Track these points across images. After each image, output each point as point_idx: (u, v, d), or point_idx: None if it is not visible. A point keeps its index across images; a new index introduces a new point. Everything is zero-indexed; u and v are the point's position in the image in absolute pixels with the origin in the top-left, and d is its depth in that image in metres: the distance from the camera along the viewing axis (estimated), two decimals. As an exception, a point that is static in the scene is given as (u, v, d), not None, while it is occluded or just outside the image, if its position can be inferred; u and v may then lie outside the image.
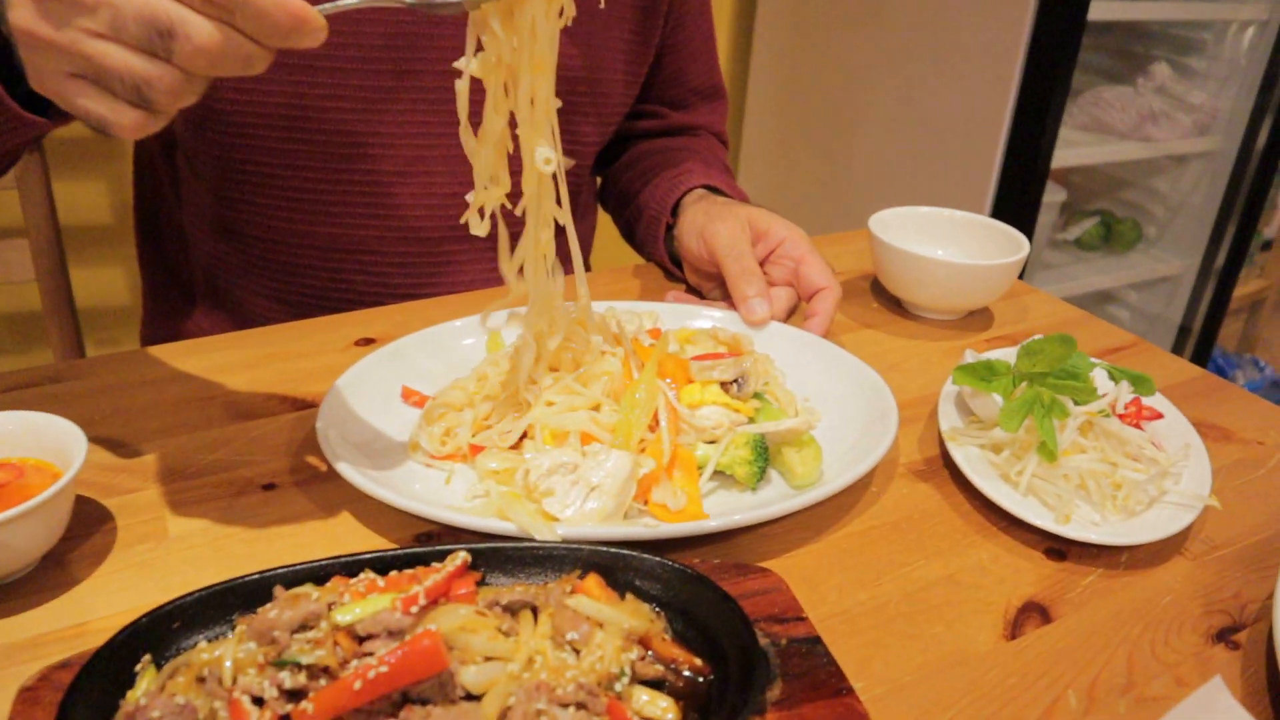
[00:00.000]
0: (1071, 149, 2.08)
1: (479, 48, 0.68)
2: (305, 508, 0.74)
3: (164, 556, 0.68)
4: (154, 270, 1.26)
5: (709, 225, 1.01)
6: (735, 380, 0.80)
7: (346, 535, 0.71)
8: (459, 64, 0.69)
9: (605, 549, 0.60)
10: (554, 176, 0.73)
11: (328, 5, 0.58)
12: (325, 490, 0.75)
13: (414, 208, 1.10)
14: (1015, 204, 1.93)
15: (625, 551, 0.59)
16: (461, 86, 0.69)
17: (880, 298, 1.15)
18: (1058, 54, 1.79)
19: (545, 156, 0.71)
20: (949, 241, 1.16)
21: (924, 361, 1.00)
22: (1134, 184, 2.53)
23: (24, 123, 0.71)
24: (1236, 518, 0.79)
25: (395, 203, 1.09)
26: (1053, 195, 2.20)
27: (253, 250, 1.12)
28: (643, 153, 1.29)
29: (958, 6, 1.95)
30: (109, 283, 2.04)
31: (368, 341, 0.98)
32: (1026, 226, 1.96)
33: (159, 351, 0.95)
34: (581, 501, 0.68)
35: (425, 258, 1.14)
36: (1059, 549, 0.75)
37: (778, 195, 2.57)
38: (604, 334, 0.80)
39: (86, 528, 0.70)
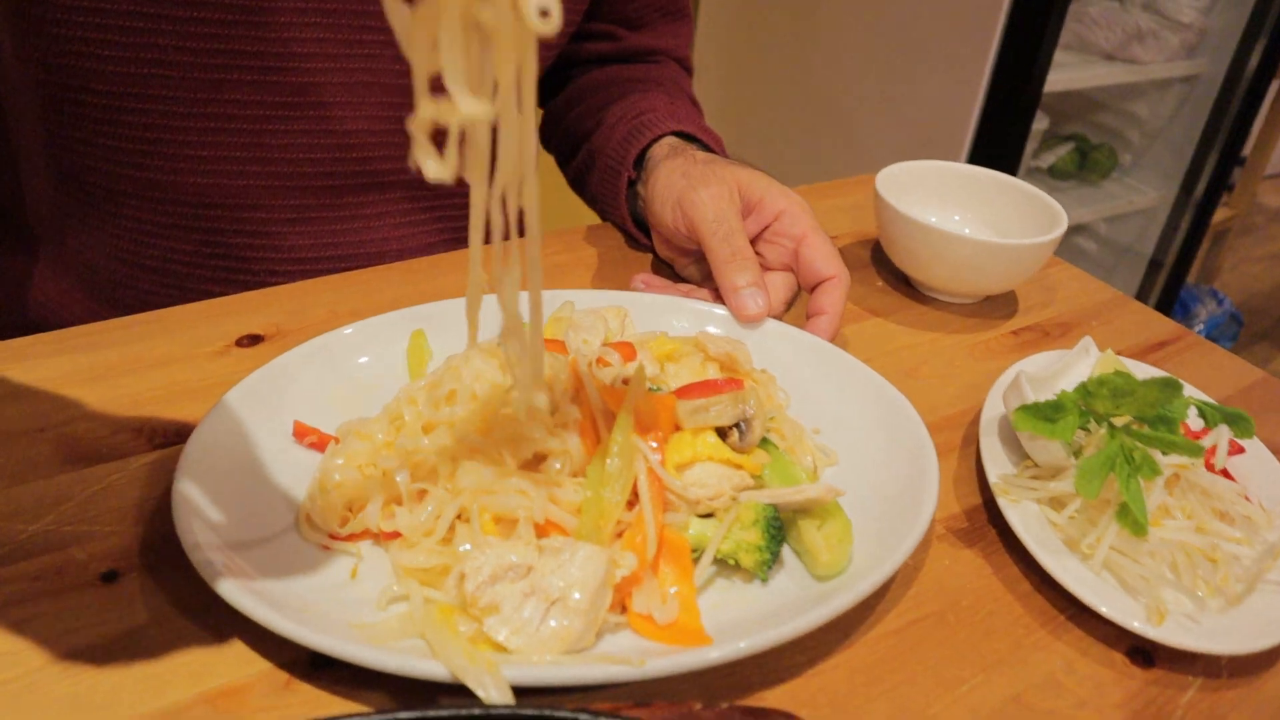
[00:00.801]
0: (1058, 71, 1.89)
1: None
2: (159, 611, 0.54)
3: (-54, 708, 0.48)
4: None
5: (689, 192, 0.80)
6: (736, 425, 0.61)
7: (217, 659, 0.51)
8: None
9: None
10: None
11: None
12: (186, 583, 0.54)
13: (308, 147, 0.87)
14: (1000, 133, 1.74)
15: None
16: None
17: (884, 271, 0.96)
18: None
19: (541, 6, 0.39)
20: (966, 206, 0.97)
21: (947, 365, 0.82)
22: (1111, 107, 2.35)
23: None
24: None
25: (282, 142, 0.86)
26: (1035, 122, 2.02)
27: (99, 204, 0.88)
28: (593, 84, 1.06)
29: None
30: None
31: (253, 340, 0.76)
32: (1012, 158, 1.79)
33: (-25, 354, 0.72)
34: (539, 621, 0.49)
35: (324, 212, 0.91)
36: (1144, 648, 0.59)
37: (731, 117, 2.35)
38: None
39: None
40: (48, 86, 0.82)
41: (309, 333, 0.77)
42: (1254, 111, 2.21)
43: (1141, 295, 2.53)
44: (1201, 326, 2.65)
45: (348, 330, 0.71)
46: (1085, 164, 2.31)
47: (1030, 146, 2.20)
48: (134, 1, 0.77)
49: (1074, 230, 2.45)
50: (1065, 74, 1.94)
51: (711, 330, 0.75)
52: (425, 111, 0.41)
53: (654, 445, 0.56)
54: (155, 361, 0.73)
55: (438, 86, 0.41)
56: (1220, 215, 2.79)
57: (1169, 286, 2.46)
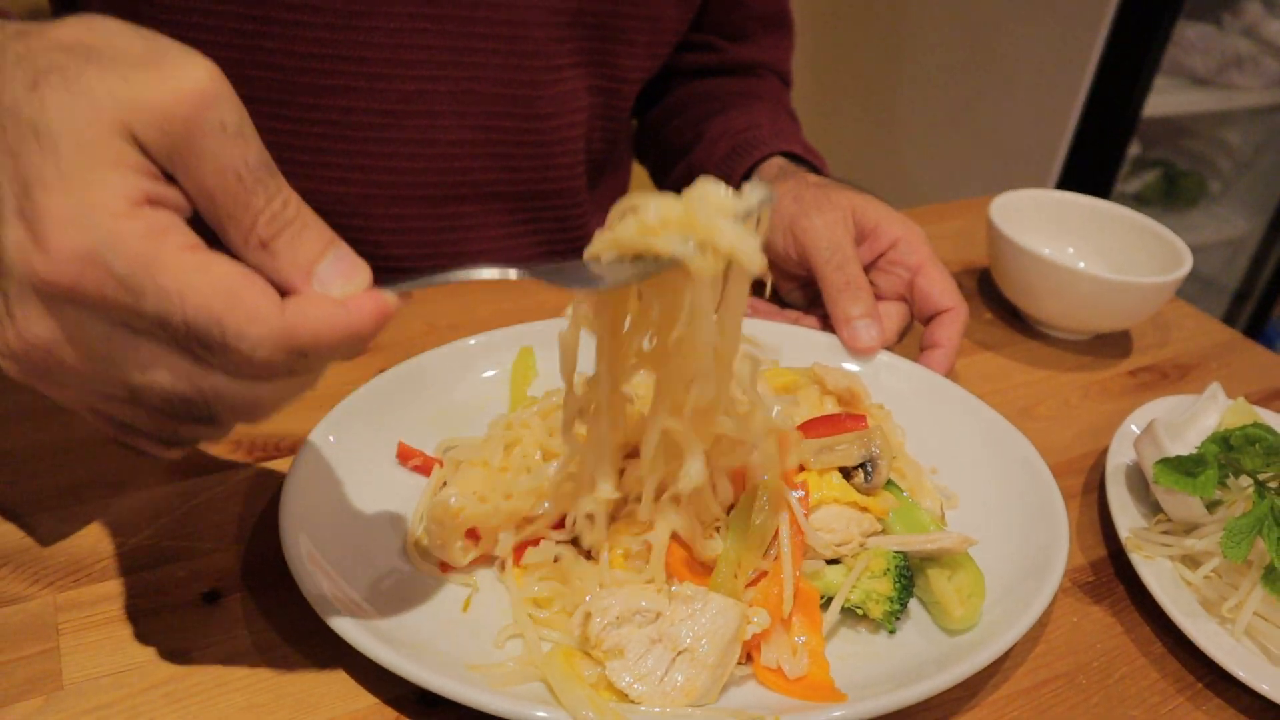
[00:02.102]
0: (1152, 96, 1.83)
1: None
2: (261, 635, 0.52)
3: (52, 728, 0.47)
4: None
5: (802, 218, 0.78)
6: (862, 465, 0.58)
7: (323, 691, 0.49)
8: None
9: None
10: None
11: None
12: (288, 605, 0.53)
13: (410, 156, 0.86)
14: (1093, 158, 1.69)
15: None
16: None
17: (992, 303, 0.92)
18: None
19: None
20: (1080, 237, 0.93)
21: (1063, 405, 0.79)
22: (1202, 134, 2.28)
23: None
24: None
25: (385, 150, 0.85)
26: (1124, 147, 1.96)
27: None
28: (694, 96, 1.03)
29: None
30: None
31: (352, 352, 0.75)
32: (1104, 184, 1.73)
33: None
34: (664, 671, 0.47)
35: (423, 222, 0.90)
36: (1286, 718, 0.55)
37: (816, 134, 2.32)
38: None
39: (-56, 665, 0.49)
40: None
41: (408, 345, 0.75)
42: (1352, 144, 2.14)
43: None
44: (1286, 362, 2.57)
45: (447, 349, 0.69)
46: (1173, 191, 2.24)
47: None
48: (243, 4, 0.76)
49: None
50: (1160, 98, 1.88)
51: (826, 362, 0.72)
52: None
53: (800, 495, 0.54)
54: (253, 370, 0.72)
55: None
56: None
57: (1255, 319, 2.38)
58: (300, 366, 0.39)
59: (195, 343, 0.37)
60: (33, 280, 0.36)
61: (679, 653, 0.47)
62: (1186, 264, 0.82)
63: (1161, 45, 1.59)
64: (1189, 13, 2.07)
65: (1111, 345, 0.88)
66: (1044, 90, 1.76)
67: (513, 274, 0.42)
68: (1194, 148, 2.30)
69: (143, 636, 0.51)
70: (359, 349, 0.40)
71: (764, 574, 0.51)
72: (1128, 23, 1.61)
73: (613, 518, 0.53)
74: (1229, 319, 2.41)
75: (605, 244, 0.44)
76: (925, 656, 0.53)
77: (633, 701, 0.47)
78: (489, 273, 0.42)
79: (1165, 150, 2.29)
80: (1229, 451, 0.62)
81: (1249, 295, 2.36)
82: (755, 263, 0.42)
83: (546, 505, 0.54)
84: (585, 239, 0.99)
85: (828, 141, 2.38)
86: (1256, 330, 2.39)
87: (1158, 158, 2.26)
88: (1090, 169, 1.71)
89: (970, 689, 0.54)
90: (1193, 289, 2.43)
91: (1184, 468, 0.61)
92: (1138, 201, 2.25)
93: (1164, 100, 1.92)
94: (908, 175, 2.20)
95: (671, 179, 1.03)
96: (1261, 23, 2.02)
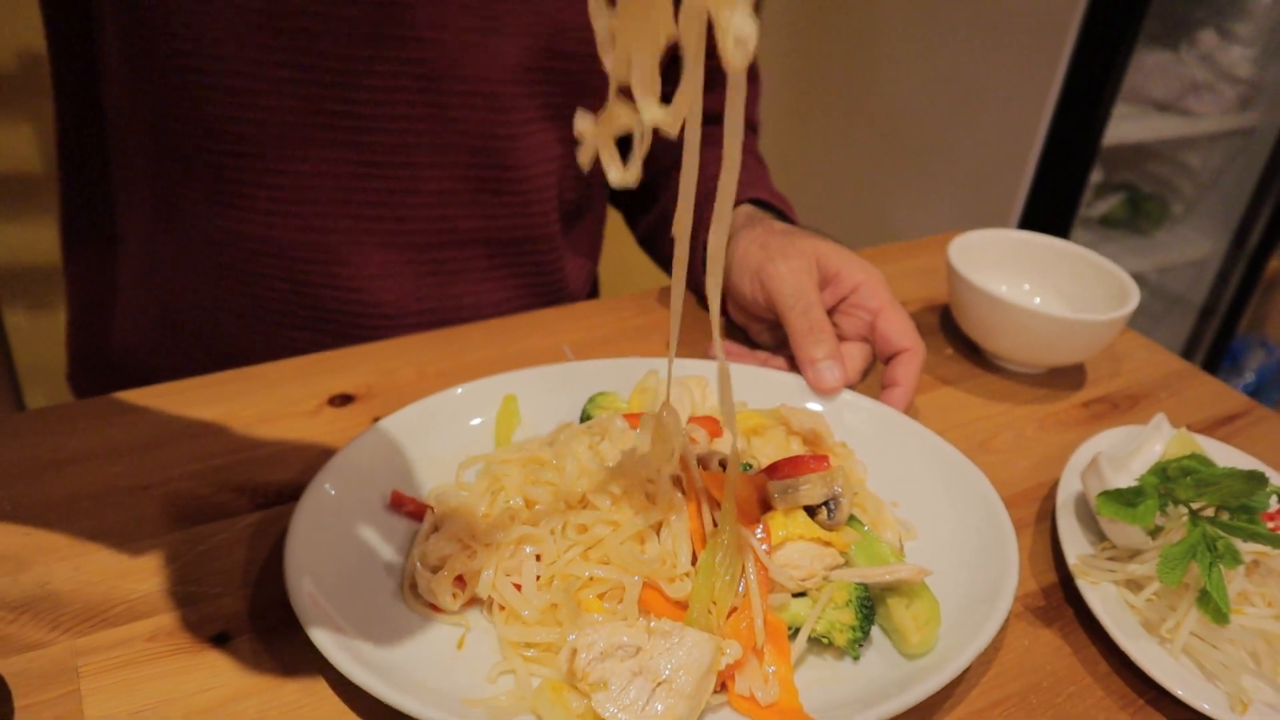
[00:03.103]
0: (1113, 123, 1.89)
1: None
2: (269, 674, 0.56)
3: (76, 769, 0.50)
4: (78, 262, 1.05)
5: (768, 265, 0.82)
6: (826, 503, 0.62)
7: (326, 726, 0.53)
8: None
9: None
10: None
11: None
12: (294, 645, 0.57)
13: (395, 205, 0.90)
14: (1056, 186, 1.75)
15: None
16: None
17: (953, 339, 0.97)
18: (1123, 21, 1.59)
19: (738, 35, 0.41)
20: (1036, 273, 0.98)
21: (1018, 437, 0.83)
22: (1164, 158, 2.35)
23: None
24: None
25: (370, 199, 0.89)
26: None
27: (195, 250, 0.91)
28: (664, 144, 1.08)
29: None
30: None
31: (345, 399, 0.79)
32: (1066, 212, 1.79)
33: (80, 410, 0.75)
34: (645, 701, 0.51)
35: (408, 268, 0.94)
36: (1225, 734, 0.59)
37: (786, 171, 2.37)
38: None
39: (-29, 711, 0.52)
40: (158, 131, 0.85)
41: (398, 392, 0.79)
42: (1309, 165, 2.21)
43: (1192, 344, 2.51)
44: (1252, 377, 2.63)
45: (435, 399, 0.73)
46: (1137, 214, 2.31)
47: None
48: (238, 64, 0.80)
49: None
50: (1120, 126, 1.94)
51: (791, 402, 0.77)
52: (616, 114, 0.45)
53: (761, 535, 0.58)
54: (250, 419, 0.76)
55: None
56: (1274, 265, 2.76)
57: (1220, 336, 2.44)
58: None
59: None
60: None
61: (658, 684, 0.51)
62: (1134, 300, 0.87)
63: (1119, 76, 1.65)
64: (1148, 42, 2.14)
65: (1066, 378, 0.93)
66: (1009, 121, 1.82)
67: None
68: (1157, 171, 2.37)
69: (158, 678, 0.55)
70: None
71: (735, 609, 0.56)
72: (1086, 54, 1.67)
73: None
74: (1196, 335, 2.48)
75: None
76: (886, 680, 0.57)
77: (616, 729, 0.51)
78: None
79: (1129, 174, 2.35)
80: (1167, 482, 0.66)
81: (1214, 312, 2.43)
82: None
83: (529, 549, 0.58)
84: (561, 281, 1.03)
85: (801, 176, 2.44)
86: (1223, 346, 2.45)
87: (1122, 182, 2.33)
88: (1055, 196, 1.77)
89: (926, 710, 0.58)
90: (1160, 306, 2.49)
91: (1125, 499, 0.65)
92: (1104, 225, 2.31)
93: (1127, 126, 1.98)
94: (879, 207, 2.25)
95: (644, 224, 1.08)
96: (1217, 51, 2.09)
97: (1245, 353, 2.64)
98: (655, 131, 1.10)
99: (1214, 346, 2.45)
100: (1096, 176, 2.11)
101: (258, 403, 0.78)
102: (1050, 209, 1.81)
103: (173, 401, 0.77)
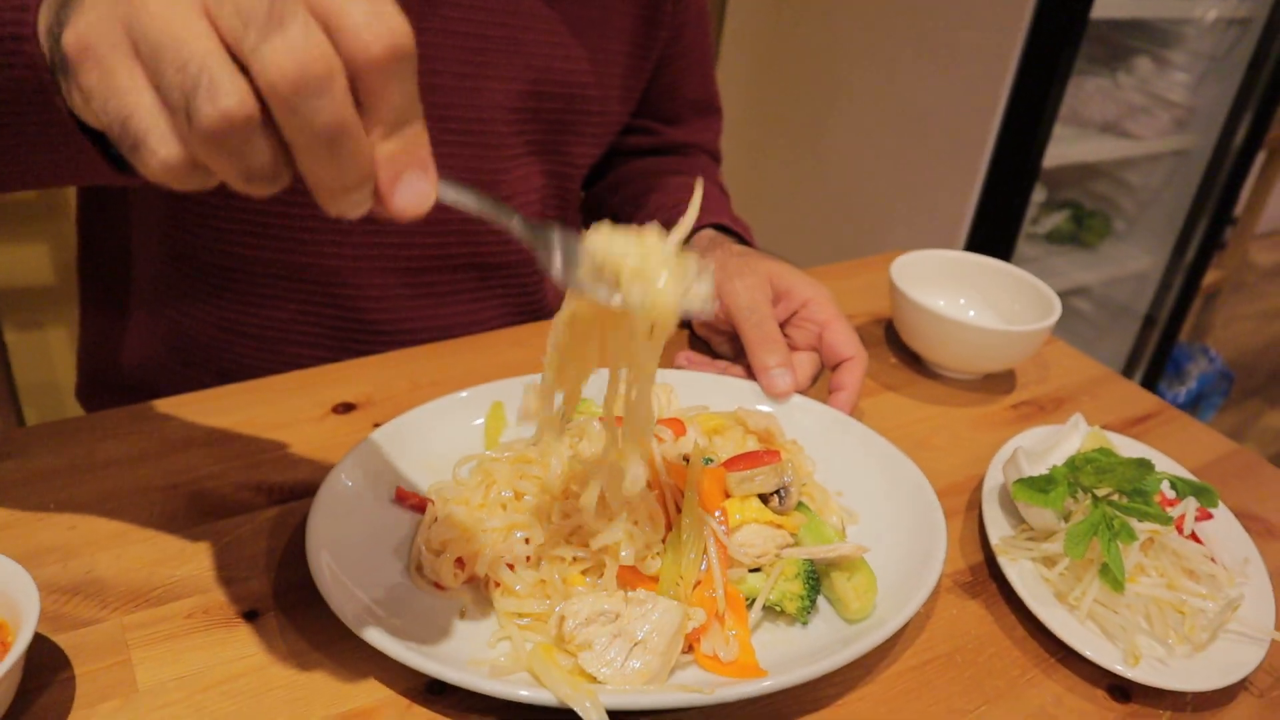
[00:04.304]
0: (1055, 146, 2.01)
1: None
2: (295, 644, 0.64)
3: (135, 721, 0.58)
4: (92, 283, 1.13)
5: (726, 283, 0.92)
6: (777, 491, 0.72)
7: (349, 686, 0.62)
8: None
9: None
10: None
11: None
12: (315, 620, 0.65)
13: (393, 233, 0.99)
14: (1001, 206, 1.86)
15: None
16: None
17: (896, 350, 1.07)
18: (1058, 52, 1.71)
19: (635, 476, 0.62)
20: (972, 289, 1.08)
21: (953, 436, 0.93)
22: (1106, 176, 2.49)
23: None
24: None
25: (370, 227, 0.98)
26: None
27: (207, 279, 0.99)
28: (632, 173, 1.18)
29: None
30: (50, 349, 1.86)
31: (348, 407, 0.87)
32: (1011, 228, 1.90)
33: (104, 420, 0.83)
34: (623, 659, 0.60)
35: (404, 290, 1.03)
36: (1122, 686, 0.69)
37: (748, 194, 2.48)
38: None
39: (38, 677, 0.60)
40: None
41: (395, 401, 0.88)
42: (1241, 182, 2.34)
43: (1136, 353, 2.63)
44: (1194, 384, 2.76)
45: (432, 405, 0.81)
46: (1081, 229, 2.44)
47: (1028, 214, 2.33)
48: None
49: (1071, 292, 2.57)
50: (1062, 148, 2.07)
51: (747, 405, 0.86)
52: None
53: (719, 517, 0.67)
54: (263, 426, 0.84)
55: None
56: (1212, 277, 2.91)
57: (1162, 345, 2.57)
58: None
59: None
60: None
61: (635, 644, 0.60)
62: (1055, 313, 0.98)
63: (1056, 101, 1.77)
64: (1089, 68, 2.27)
65: (998, 383, 1.03)
66: (955, 146, 1.93)
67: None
68: (1100, 190, 2.50)
69: (199, 648, 0.63)
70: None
71: (699, 582, 0.65)
72: (1027, 82, 1.78)
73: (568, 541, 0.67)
74: (1140, 344, 2.60)
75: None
76: (830, 640, 0.66)
77: (600, 683, 0.59)
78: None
79: (1074, 193, 2.48)
80: (1074, 471, 0.76)
81: (1156, 321, 2.56)
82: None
83: (519, 534, 0.67)
84: (541, 300, 1.13)
85: (761, 198, 2.55)
86: (1165, 353, 2.58)
87: (1067, 200, 2.46)
88: (1000, 214, 1.88)
89: (867, 668, 0.67)
90: (1105, 318, 2.62)
91: (1038, 486, 0.75)
92: (1049, 240, 2.44)
93: (1070, 148, 2.11)
94: (833, 224, 2.36)
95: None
96: (1154, 77, 2.22)
97: (1188, 360, 2.78)
98: (627, 162, 1.20)
99: (1157, 354, 2.57)
100: (1042, 195, 2.23)
101: (268, 412, 0.86)
102: (996, 227, 1.93)
103: (191, 411, 0.85)
